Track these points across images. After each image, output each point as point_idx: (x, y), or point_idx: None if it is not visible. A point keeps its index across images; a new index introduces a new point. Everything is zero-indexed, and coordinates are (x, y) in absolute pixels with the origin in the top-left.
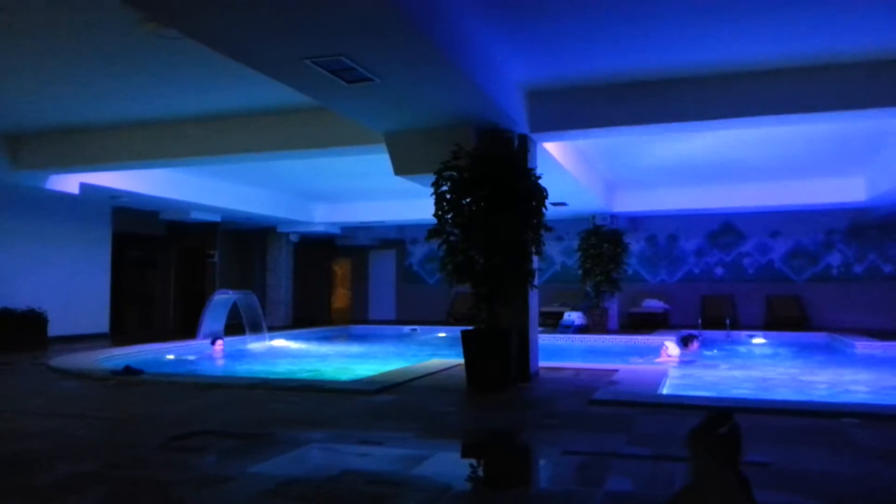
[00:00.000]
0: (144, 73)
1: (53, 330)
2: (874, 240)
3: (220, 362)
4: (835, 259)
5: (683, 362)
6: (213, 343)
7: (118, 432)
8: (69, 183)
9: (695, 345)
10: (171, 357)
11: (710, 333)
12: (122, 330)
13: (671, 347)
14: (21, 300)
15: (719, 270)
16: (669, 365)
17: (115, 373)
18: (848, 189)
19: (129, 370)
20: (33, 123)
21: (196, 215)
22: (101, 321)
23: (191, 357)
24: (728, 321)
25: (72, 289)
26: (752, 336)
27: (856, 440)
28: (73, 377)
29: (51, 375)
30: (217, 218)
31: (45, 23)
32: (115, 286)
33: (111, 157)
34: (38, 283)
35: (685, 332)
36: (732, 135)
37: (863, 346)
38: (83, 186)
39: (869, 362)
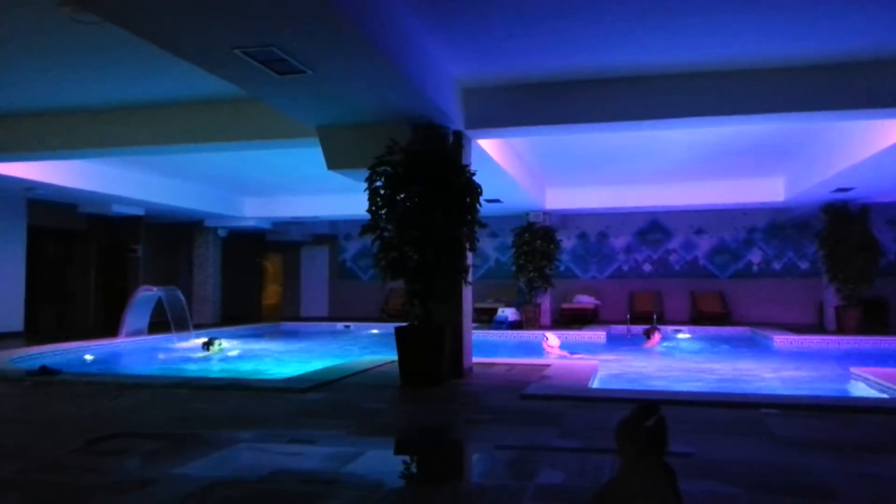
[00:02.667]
0: (62, 58)
1: None
2: (792, 238)
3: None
4: (755, 256)
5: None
6: (205, 347)
7: (33, 436)
8: None
9: (656, 336)
10: (90, 357)
11: (637, 328)
12: (38, 328)
13: (551, 339)
14: None
15: (647, 267)
16: (552, 356)
17: (30, 373)
18: (768, 189)
19: (45, 370)
20: None
21: (118, 209)
22: (14, 319)
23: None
24: (655, 316)
25: None
26: (677, 331)
27: (774, 430)
28: None
29: None
30: (140, 212)
31: None
32: (30, 282)
33: (26, 145)
34: None
35: (646, 326)
36: (658, 135)
37: (781, 340)
38: None
39: (787, 355)
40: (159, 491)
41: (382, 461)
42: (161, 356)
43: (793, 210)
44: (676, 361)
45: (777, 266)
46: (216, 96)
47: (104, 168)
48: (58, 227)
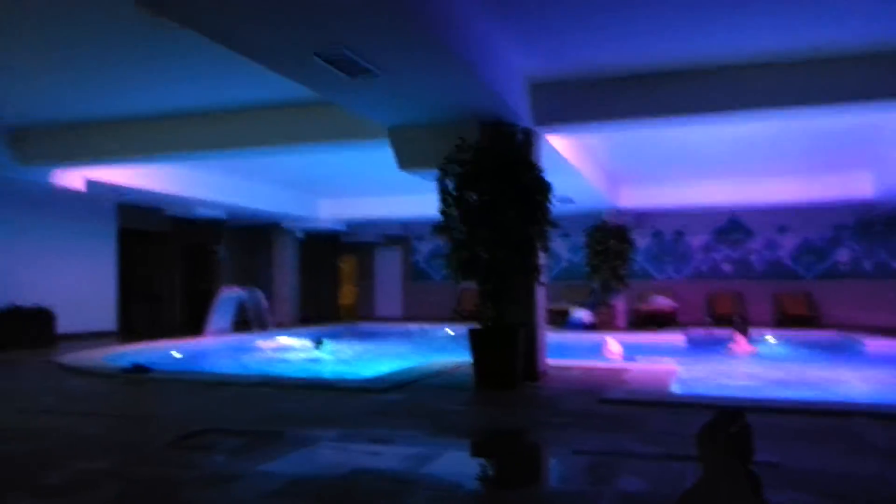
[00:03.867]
0: (148, 67)
1: (61, 327)
2: (882, 235)
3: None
4: (843, 255)
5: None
6: (316, 345)
7: (128, 430)
8: (74, 179)
9: (742, 339)
10: (178, 355)
11: (718, 332)
12: (130, 327)
13: (612, 344)
14: (28, 297)
15: (727, 267)
16: (615, 361)
17: (123, 370)
18: (856, 184)
19: (137, 368)
20: (39, 118)
21: (201, 211)
22: (108, 318)
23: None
24: (736, 318)
25: (79, 286)
26: (760, 334)
27: (866, 440)
28: (82, 375)
29: (60, 373)
30: (222, 214)
31: (50, 17)
32: (121, 283)
33: (116, 152)
34: (46, 280)
35: (742, 322)
36: (740, 129)
37: (873, 345)
38: (88, 182)
39: (879, 361)
40: (245, 486)
41: (459, 463)
42: (267, 354)
43: (883, 206)
44: (761, 366)
45: (867, 266)
46: (291, 100)
47: (188, 172)
48: (145, 229)
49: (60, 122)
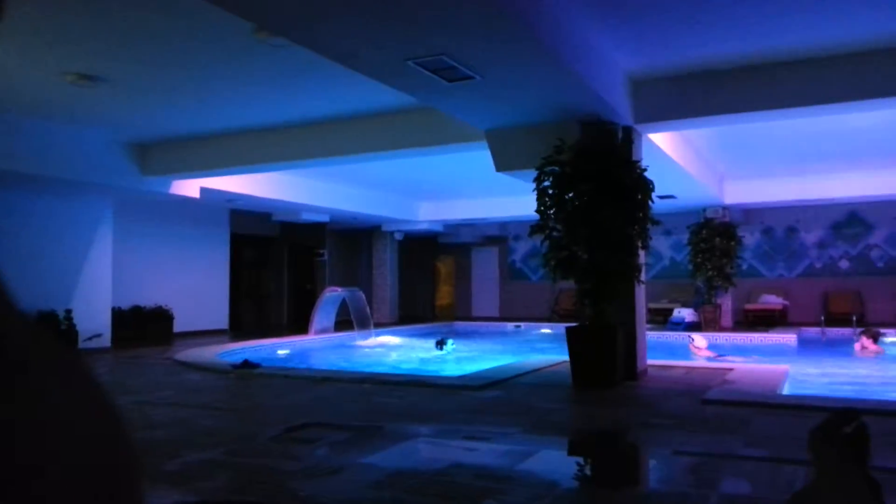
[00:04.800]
0: (257, 81)
1: (178, 326)
2: None
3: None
4: None
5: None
6: (438, 346)
7: (238, 422)
8: (190, 188)
9: (869, 343)
10: (284, 352)
11: (833, 332)
12: (240, 326)
13: (698, 340)
14: (149, 298)
15: (844, 264)
16: (700, 357)
17: (234, 366)
18: None
19: (247, 364)
20: (158, 133)
21: (306, 216)
22: (220, 318)
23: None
24: (854, 318)
25: (194, 287)
26: (884, 334)
27: None
28: (197, 370)
29: (177, 368)
30: (325, 218)
31: (169, 37)
32: (233, 284)
33: (227, 161)
34: (164, 283)
35: (876, 328)
36: (854, 119)
37: None
38: (203, 190)
39: None
40: (346, 479)
41: (556, 461)
42: (387, 354)
43: None
44: (880, 369)
45: None
46: (392, 107)
47: (294, 179)
48: (255, 233)
49: (178, 135)
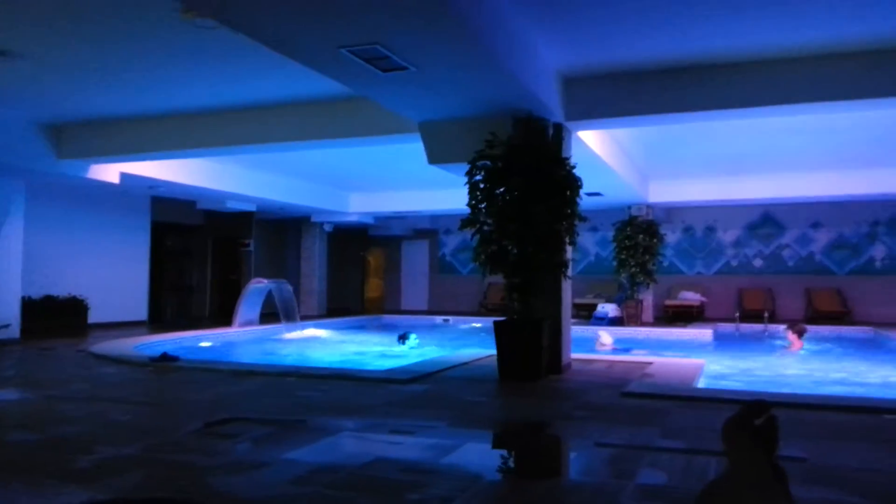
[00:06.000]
0: (182, 63)
1: (94, 317)
2: None
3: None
4: (878, 251)
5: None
6: (400, 340)
7: (156, 417)
8: (109, 172)
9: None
10: (206, 345)
11: (746, 327)
12: (160, 318)
13: (604, 336)
14: (63, 287)
15: (758, 262)
16: (605, 351)
17: (152, 359)
18: (892, 179)
19: (166, 357)
20: (75, 114)
21: (232, 205)
22: (139, 309)
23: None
24: (766, 315)
25: (111, 277)
26: (807, 330)
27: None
28: (112, 363)
29: (91, 361)
30: (252, 207)
31: (87, 13)
32: (153, 274)
33: (150, 146)
34: (79, 271)
35: (802, 325)
36: (773, 123)
37: None
38: (123, 176)
39: None
40: (269, 473)
41: (480, 454)
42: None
43: None
44: (790, 362)
45: None
46: (323, 95)
47: (220, 166)
48: (178, 222)
49: (96, 116)
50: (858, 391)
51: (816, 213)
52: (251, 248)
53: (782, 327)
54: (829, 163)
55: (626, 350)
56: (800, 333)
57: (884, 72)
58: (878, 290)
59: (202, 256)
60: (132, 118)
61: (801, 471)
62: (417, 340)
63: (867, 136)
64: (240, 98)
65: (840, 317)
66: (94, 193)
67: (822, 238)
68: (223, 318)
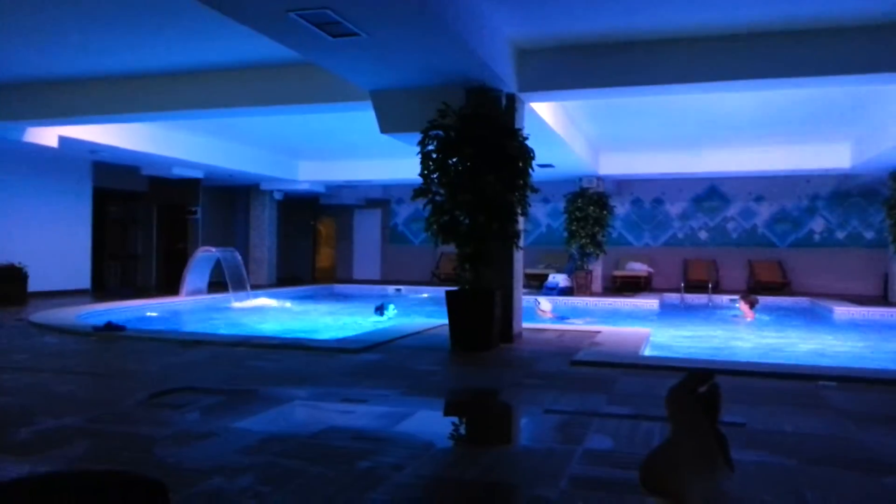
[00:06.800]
0: (126, 24)
1: (33, 285)
2: (857, 206)
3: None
4: (818, 225)
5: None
6: (378, 311)
7: (100, 388)
8: (47, 136)
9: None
10: (152, 314)
11: (691, 297)
12: (104, 286)
13: (544, 303)
14: (0, 255)
15: (703, 234)
16: (545, 319)
17: (96, 329)
18: (833, 155)
19: (110, 326)
20: (11, 73)
21: (178, 171)
22: (82, 277)
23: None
24: (710, 285)
25: (52, 244)
26: (734, 300)
27: (830, 402)
28: (54, 332)
29: (32, 331)
30: (199, 174)
31: None
32: (96, 242)
33: (91, 109)
34: (17, 238)
35: (754, 296)
36: (720, 98)
37: (842, 311)
38: (62, 140)
39: (847, 327)
40: (218, 443)
41: (432, 422)
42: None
43: (859, 177)
44: (731, 331)
45: (840, 235)
46: (273, 60)
47: (165, 131)
48: (121, 188)
49: (33, 78)
50: (796, 359)
51: (760, 187)
52: (198, 215)
53: (726, 298)
54: (772, 138)
55: (563, 318)
56: (752, 304)
57: (830, 51)
58: (816, 262)
59: (147, 224)
60: (71, 80)
61: (741, 435)
62: (396, 311)
63: (808, 113)
64: (185, 61)
65: (780, 287)
66: (32, 158)
67: (764, 211)
68: (170, 287)
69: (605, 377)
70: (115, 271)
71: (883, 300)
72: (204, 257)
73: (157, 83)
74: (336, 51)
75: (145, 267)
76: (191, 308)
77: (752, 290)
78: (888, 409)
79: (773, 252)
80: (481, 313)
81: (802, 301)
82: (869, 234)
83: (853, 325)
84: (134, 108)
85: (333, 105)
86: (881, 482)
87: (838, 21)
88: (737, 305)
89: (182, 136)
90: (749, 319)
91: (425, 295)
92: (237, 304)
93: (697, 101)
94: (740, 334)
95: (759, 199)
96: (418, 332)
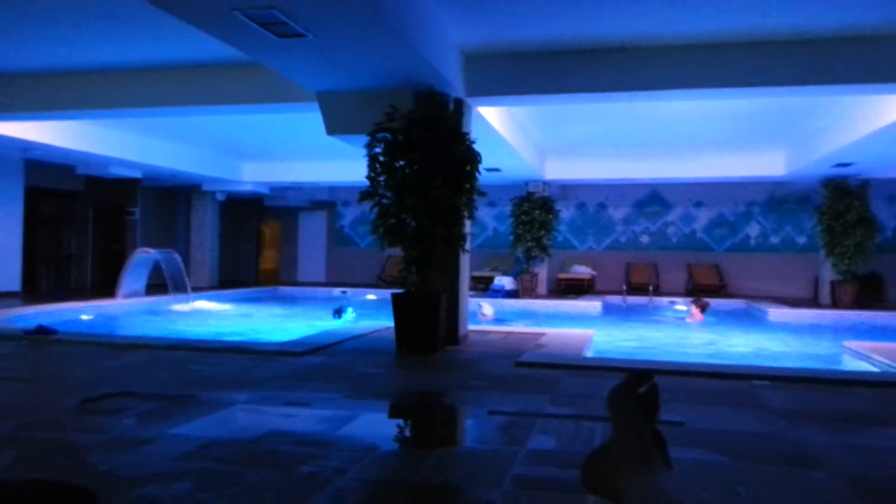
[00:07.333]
0: (62, 17)
1: None
2: (791, 212)
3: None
4: (753, 230)
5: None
6: (336, 314)
7: (30, 394)
8: None
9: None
10: (87, 317)
11: (633, 299)
12: (36, 288)
13: (486, 307)
14: None
15: (645, 239)
16: (486, 322)
17: (27, 332)
18: (769, 163)
19: (41, 330)
20: None
21: (115, 171)
22: (11, 279)
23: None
24: (651, 288)
25: None
26: (673, 302)
27: (765, 401)
28: None
29: None
30: (138, 174)
31: None
32: (28, 242)
33: (22, 105)
34: None
35: (705, 300)
36: (662, 107)
37: (775, 313)
38: None
39: (781, 328)
40: (156, 450)
41: (376, 425)
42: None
43: (793, 184)
44: (670, 333)
45: (774, 240)
46: (216, 59)
47: (101, 130)
48: (55, 187)
49: None
50: (732, 359)
51: (699, 193)
52: (137, 216)
53: (666, 300)
54: (712, 146)
55: (504, 321)
56: (702, 308)
57: (760, 63)
58: (752, 265)
59: (83, 224)
60: (4, 74)
61: (680, 434)
62: (354, 314)
63: (746, 123)
64: (125, 58)
65: (717, 290)
66: None
67: (703, 217)
68: (106, 289)
69: (548, 378)
70: (47, 273)
71: (813, 302)
72: (142, 259)
73: (94, 80)
74: (282, 51)
75: (80, 269)
76: (128, 311)
77: (690, 292)
78: (818, 406)
79: (711, 256)
80: (427, 316)
81: (739, 303)
82: (801, 240)
83: (786, 327)
84: (70, 105)
85: (278, 106)
86: (809, 476)
87: (780, 35)
88: (685, 308)
89: (120, 134)
90: (699, 321)
91: (371, 297)
92: (177, 307)
93: (641, 109)
94: (680, 334)
95: (698, 204)
96: (363, 335)
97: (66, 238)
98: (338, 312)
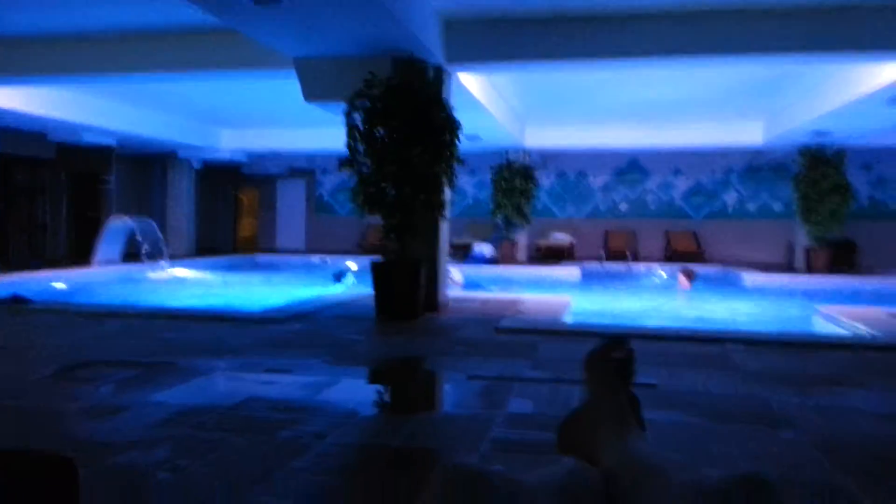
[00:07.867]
0: None
1: None
2: (767, 181)
3: None
4: (731, 197)
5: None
6: (336, 279)
7: (5, 363)
8: None
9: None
10: (61, 286)
11: (611, 266)
12: (8, 257)
13: (455, 273)
14: None
15: (624, 206)
16: (457, 288)
17: (1, 301)
18: (747, 131)
19: (16, 299)
20: None
21: (88, 137)
22: None
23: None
24: (630, 255)
25: None
26: (651, 268)
27: (738, 364)
28: None
29: None
30: (112, 141)
31: None
32: None
33: None
34: None
35: (689, 266)
36: (643, 74)
37: (751, 278)
38: None
39: (755, 293)
40: (132, 417)
41: (356, 390)
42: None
43: (770, 153)
44: (646, 298)
45: (751, 207)
46: (191, 25)
47: (74, 96)
48: (26, 154)
49: None
50: (708, 323)
51: (678, 161)
52: (111, 184)
53: (643, 266)
54: (691, 115)
55: (480, 286)
56: (689, 276)
57: (739, 31)
58: (729, 232)
59: (55, 193)
60: None
61: (652, 396)
62: (354, 279)
63: (725, 91)
64: (99, 23)
65: (694, 257)
66: None
67: (681, 185)
68: (81, 258)
69: (527, 343)
70: (21, 242)
71: (788, 268)
72: (117, 227)
73: (66, 45)
74: (258, 17)
75: (54, 237)
76: (104, 279)
77: (668, 259)
78: (792, 369)
79: (689, 223)
80: (407, 283)
81: (716, 269)
82: (777, 207)
83: (761, 291)
84: (42, 71)
85: (257, 72)
86: (779, 436)
87: (761, 3)
88: (664, 275)
89: (92, 100)
90: (686, 289)
91: (351, 265)
92: (153, 275)
93: (621, 77)
94: (659, 301)
95: (676, 172)
96: (344, 302)
97: (40, 206)
98: (338, 277)
